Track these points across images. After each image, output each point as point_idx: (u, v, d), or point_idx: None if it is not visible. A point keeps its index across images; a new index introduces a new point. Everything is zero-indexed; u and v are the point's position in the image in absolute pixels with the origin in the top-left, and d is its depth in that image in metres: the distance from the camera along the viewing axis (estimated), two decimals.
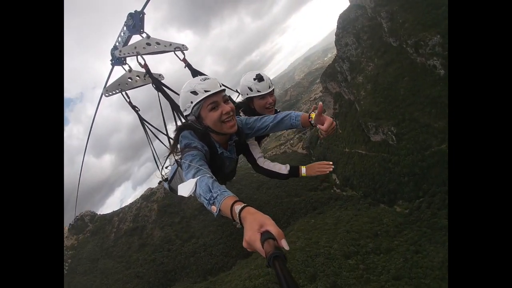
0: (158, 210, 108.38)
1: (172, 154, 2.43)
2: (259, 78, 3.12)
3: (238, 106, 3.28)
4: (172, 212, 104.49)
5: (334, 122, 2.33)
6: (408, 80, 73.95)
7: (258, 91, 3.13)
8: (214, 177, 1.78)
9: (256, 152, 3.05)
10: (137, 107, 3.75)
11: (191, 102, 2.19)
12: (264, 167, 2.99)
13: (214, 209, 1.55)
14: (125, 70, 3.82)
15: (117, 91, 3.82)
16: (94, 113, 4.28)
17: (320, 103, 2.38)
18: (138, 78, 3.85)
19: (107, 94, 3.82)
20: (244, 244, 1.25)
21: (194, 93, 2.16)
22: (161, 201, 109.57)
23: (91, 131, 4.68)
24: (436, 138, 63.56)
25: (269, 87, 3.16)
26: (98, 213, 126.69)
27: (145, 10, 3.27)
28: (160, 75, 3.82)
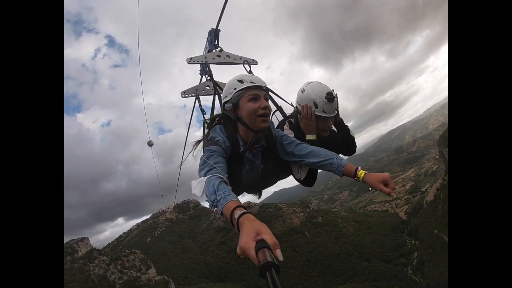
0: None
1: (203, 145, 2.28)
2: (331, 98, 2.65)
3: (287, 117, 3.05)
4: None
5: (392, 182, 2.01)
6: None
7: (323, 112, 2.69)
8: (224, 177, 1.76)
9: (296, 171, 2.71)
10: (204, 111, 3.97)
11: (234, 89, 2.21)
12: (304, 177, 2.66)
13: (216, 211, 1.56)
14: (206, 79, 4.18)
15: (193, 95, 4.28)
16: (191, 112, 4.75)
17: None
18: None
19: (183, 96, 4.29)
20: (238, 251, 1.21)
21: (240, 81, 2.21)
22: (255, 215, 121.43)
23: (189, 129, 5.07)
24: None
25: (335, 111, 2.76)
26: (202, 205, 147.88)
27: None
28: (253, 60, 4.15)
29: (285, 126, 2.94)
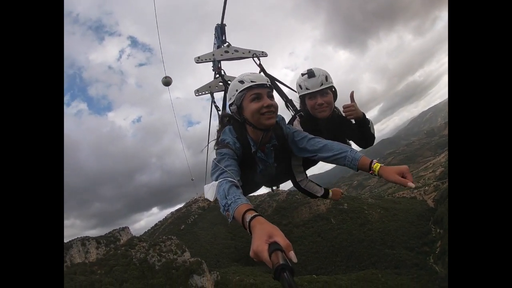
0: (275, 208, 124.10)
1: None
2: (310, 73, 2.68)
3: (298, 110, 3.05)
4: (285, 215, 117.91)
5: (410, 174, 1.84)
6: None
7: (306, 89, 2.70)
8: (234, 181, 1.75)
9: (299, 175, 2.78)
10: (218, 107, 4.07)
11: (236, 90, 2.16)
12: (306, 188, 2.83)
13: (228, 215, 1.57)
14: (219, 76, 4.19)
15: (206, 92, 4.30)
16: (210, 109, 4.65)
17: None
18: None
19: (197, 94, 4.31)
20: (251, 254, 1.20)
21: (241, 82, 2.15)
22: (281, 203, 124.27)
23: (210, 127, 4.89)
24: None
25: (321, 84, 2.65)
26: None
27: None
28: (263, 52, 4.06)
29: (295, 122, 2.89)
